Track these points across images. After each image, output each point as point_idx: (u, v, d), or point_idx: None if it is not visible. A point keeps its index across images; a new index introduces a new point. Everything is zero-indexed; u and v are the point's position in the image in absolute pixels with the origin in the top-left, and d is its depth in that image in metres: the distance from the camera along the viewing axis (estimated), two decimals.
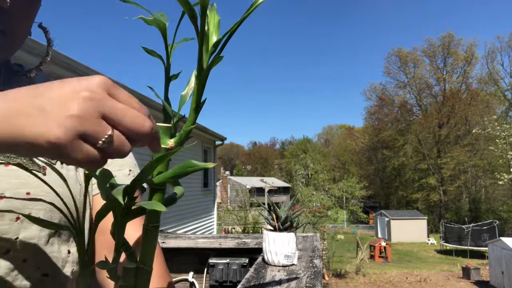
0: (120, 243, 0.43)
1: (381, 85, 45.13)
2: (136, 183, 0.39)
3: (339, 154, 53.52)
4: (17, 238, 0.54)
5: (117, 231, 0.42)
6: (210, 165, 0.39)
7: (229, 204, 28.09)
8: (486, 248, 14.07)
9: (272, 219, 1.32)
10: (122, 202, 0.36)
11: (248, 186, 32.46)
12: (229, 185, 34.35)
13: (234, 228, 17.70)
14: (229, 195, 32.90)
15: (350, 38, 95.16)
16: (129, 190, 0.39)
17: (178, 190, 0.47)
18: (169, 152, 0.40)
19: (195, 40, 0.46)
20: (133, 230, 0.62)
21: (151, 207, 0.37)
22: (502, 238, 12.00)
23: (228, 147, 66.88)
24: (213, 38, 0.42)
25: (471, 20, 76.38)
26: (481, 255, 18.03)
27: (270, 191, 34.37)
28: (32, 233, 0.55)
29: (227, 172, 38.26)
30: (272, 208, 1.34)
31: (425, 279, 13.39)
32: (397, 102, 43.09)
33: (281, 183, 41.93)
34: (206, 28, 0.41)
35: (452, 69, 40.07)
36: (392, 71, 42.81)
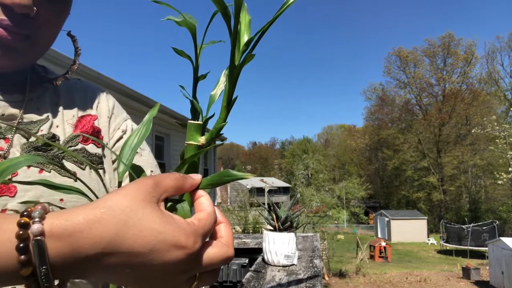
0: None
1: (381, 85, 45.21)
2: None
3: (339, 154, 53.53)
4: None
5: None
6: (248, 176, 0.39)
7: (229, 204, 28.05)
8: (486, 248, 14.07)
9: (272, 219, 1.32)
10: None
11: (248, 186, 32.44)
12: (229, 185, 34.31)
13: (234, 228, 17.67)
14: (229, 195, 32.85)
15: (349, 38, 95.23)
16: None
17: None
18: (202, 149, 0.41)
19: (219, 43, 0.48)
20: None
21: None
22: (502, 238, 11.99)
23: (228, 147, 66.86)
24: (245, 37, 0.43)
25: (471, 20, 76.41)
26: (481, 255, 18.03)
27: (270, 191, 34.35)
28: None
29: None
30: (272, 208, 1.34)
31: (425, 279, 13.38)
32: (398, 102, 43.12)
33: (281, 183, 41.92)
34: (238, 27, 0.42)
35: (452, 69, 40.10)
36: (392, 71, 42.86)
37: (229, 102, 0.43)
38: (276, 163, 59.65)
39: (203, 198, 0.40)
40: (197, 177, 0.41)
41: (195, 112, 0.46)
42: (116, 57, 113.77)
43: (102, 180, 0.47)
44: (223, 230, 0.40)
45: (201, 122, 0.44)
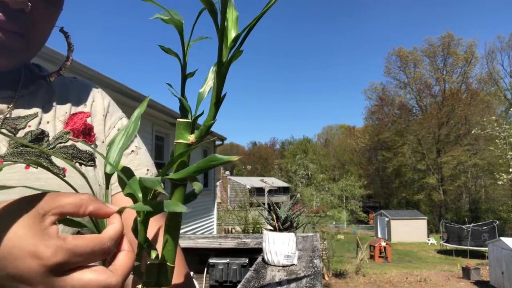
0: (144, 240, 0.43)
1: (382, 85, 45.20)
2: (160, 177, 0.39)
3: (339, 154, 53.50)
4: None
5: (140, 227, 0.42)
6: (234, 158, 0.39)
7: (229, 204, 28.06)
8: (486, 248, 14.07)
9: (272, 219, 1.32)
10: (163, 191, 0.36)
11: (248, 186, 32.46)
12: (229, 185, 34.31)
13: (234, 228, 17.68)
14: (229, 195, 32.87)
15: (350, 38, 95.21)
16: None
17: (196, 186, 0.47)
18: (191, 147, 0.41)
19: (206, 40, 0.47)
20: (154, 226, 0.62)
21: (170, 209, 0.36)
22: (502, 238, 11.99)
23: (228, 147, 66.83)
24: (232, 33, 0.42)
25: (471, 20, 76.40)
26: (481, 255, 18.01)
27: (270, 191, 34.35)
28: None
29: (227, 172, 38.19)
30: (272, 208, 1.34)
31: (425, 279, 13.38)
32: (398, 103, 43.11)
33: (281, 183, 41.92)
34: (225, 23, 0.41)
35: (452, 69, 40.08)
36: (393, 71, 42.84)
37: (217, 99, 0.42)
38: (276, 163, 59.62)
39: (112, 225, 0.38)
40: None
41: (185, 110, 0.46)
42: (116, 54, 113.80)
43: (85, 178, 0.46)
44: (120, 258, 0.37)
45: (190, 120, 0.43)
